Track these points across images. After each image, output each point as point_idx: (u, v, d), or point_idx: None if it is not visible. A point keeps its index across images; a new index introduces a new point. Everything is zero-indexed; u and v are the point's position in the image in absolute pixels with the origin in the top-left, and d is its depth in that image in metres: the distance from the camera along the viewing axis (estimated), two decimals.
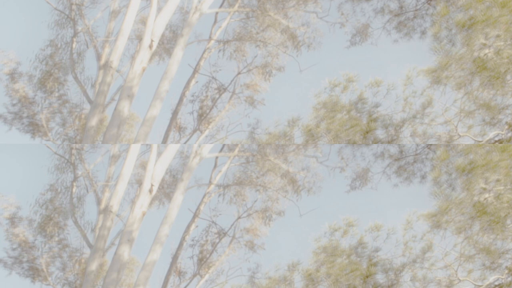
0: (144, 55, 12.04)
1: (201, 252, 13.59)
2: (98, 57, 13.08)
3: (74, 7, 13.19)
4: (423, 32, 11.55)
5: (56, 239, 13.12)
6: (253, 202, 14.06)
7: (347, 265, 10.36)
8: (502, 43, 9.74)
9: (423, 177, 11.14)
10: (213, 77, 13.98)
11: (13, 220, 13.38)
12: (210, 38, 14.08)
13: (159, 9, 12.48)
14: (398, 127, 10.75)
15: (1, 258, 13.29)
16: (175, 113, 13.84)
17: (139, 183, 13.58)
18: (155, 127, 12.40)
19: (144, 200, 11.81)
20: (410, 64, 11.02)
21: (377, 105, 10.98)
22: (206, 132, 13.90)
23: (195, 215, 13.87)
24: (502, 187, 9.76)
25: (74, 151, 12.98)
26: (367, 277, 10.43)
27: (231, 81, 13.90)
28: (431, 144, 10.85)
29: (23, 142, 13.70)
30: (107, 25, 13.63)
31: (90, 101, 12.80)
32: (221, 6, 14.04)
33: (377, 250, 10.86)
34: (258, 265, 12.74)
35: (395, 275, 10.66)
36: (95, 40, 13.25)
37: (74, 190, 12.98)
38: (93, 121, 12.27)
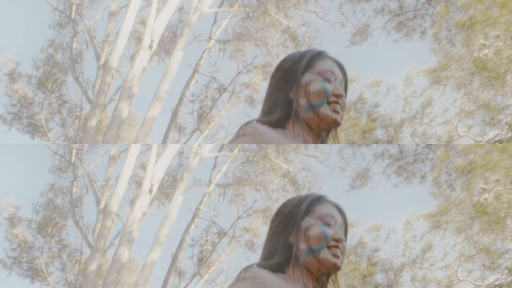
0: (144, 55, 12.04)
1: (201, 252, 13.59)
2: (98, 57, 13.08)
3: (74, 7, 13.19)
4: (423, 32, 11.55)
5: (56, 239, 13.12)
6: (253, 202, 14.05)
7: (347, 265, 10.36)
8: (502, 43, 9.74)
9: (423, 177, 11.14)
10: (213, 77, 13.99)
11: (12, 220, 13.38)
12: (210, 38, 14.08)
13: (159, 9, 12.48)
14: (398, 127, 10.75)
15: (1, 258, 13.29)
16: (175, 113, 13.84)
17: (139, 183, 13.57)
18: (155, 127, 12.40)
19: (144, 200, 11.81)
20: (410, 64, 11.01)
21: (376, 105, 10.98)
22: (206, 132, 13.91)
23: (195, 215, 13.87)
24: (502, 187, 9.76)
25: (74, 151, 12.99)
26: (366, 277, 10.43)
27: (231, 81, 13.90)
28: (431, 144, 10.85)
29: (22, 142, 13.70)
30: (107, 25, 13.64)
31: (90, 101, 12.80)
32: (220, 5, 14.04)
33: (376, 250, 10.87)
34: None
35: (395, 275, 10.66)
36: (95, 40, 13.25)
37: (74, 190, 12.98)
38: (93, 121, 12.27)
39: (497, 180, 9.81)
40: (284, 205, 2.29)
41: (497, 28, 9.72)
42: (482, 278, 10.33)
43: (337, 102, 2.25)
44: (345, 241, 2.25)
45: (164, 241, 12.43)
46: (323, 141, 2.30)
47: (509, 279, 10.15)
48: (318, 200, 2.25)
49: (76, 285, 12.87)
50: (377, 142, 10.76)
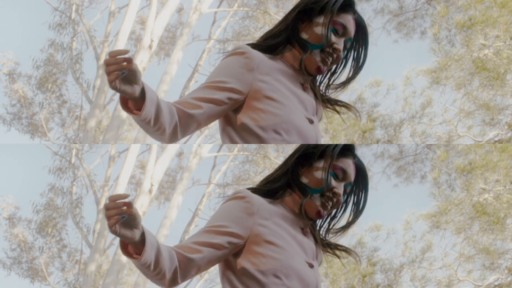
0: (144, 55, 12.04)
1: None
2: (98, 58, 13.08)
3: (74, 7, 13.19)
4: (423, 32, 11.55)
5: (56, 239, 13.12)
6: None
7: (346, 265, 10.36)
8: (501, 43, 9.74)
9: (423, 177, 11.15)
10: None
11: (12, 220, 13.37)
12: (209, 38, 14.08)
13: (159, 9, 12.48)
14: (397, 127, 10.75)
15: (0, 258, 13.29)
16: None
17: (139, 183, 13.57)
18: None
19: (144, 200, 11.81)
20: (410, 64, 11.02)
21: (376, 105, 10.99)
22: (206, 132, 13.91)
23: (195, 215, 13.87)
24: (501, 188, 9.76)
25: (73, 151, 12.98)
26: (366, 276, 10.44)
27: None
28: (431, 144, 10.86)
29: (22, 143, 13.70)
30: (106, 26, 13.64)
31: (90, 101, 12.80)
32: (219, 5, 14.04)
33: (376, 250, 10.87)
34: None
35: (395, 275, 10.67)
36: (95, 40, 13.25)
37: (74, 190, 12.98)
38: (93, 122, 12.28)
39: (497, 180, 9.81)
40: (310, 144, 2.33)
41: (497, 28, 9.72)
42: (482, 278, 10.33)
43: (330, 54, 2.28)
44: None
45: (163, 241, 12.43)
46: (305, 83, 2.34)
47: (509, 279, 10.16)
48: (344, 151, 2.28)
49: (76, 285, 12.87)
50: (377, 142, 10.76)
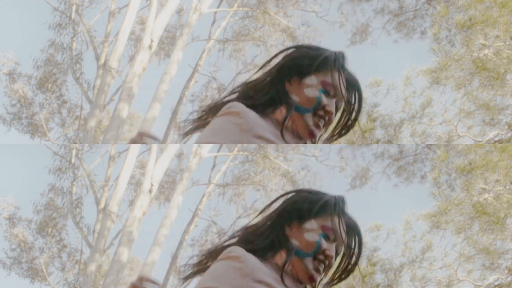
0: (144, 56, 12.04)
1: (201, 252, 13.58)
2: (98, 58, 13.08)
3: (74, 7, 13.19)
4: (423, 32, 11.55)
5: (56, 239, 13.12)
6: (253, 201, 14.06)
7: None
8: (501, 43, 9.74)
9: (423, 177, 11.15)
10: (212, 77, 13.99)
11: (12, 220, 13.38)
12: (209, 38, 14.08)
13: (159, 9, 12.48)
14: (397, 127, 10.75)
15: (0, 258, 13.29)
16: (175, 113, 13.84)
17: (139, 183, 13.57)
18: (154, 127, 12.40)
19: (144, 200, 11.81)
20: (409, 64, 11.02)
21: (376, 105, 10.98)
22: None
23: (195, 215, 13.87)
24: (501, 188, 9.76)
25: (73, 151, 12.98)
26: (366, 276, 10.44)
27: (231, 80, 13.90)
28: (431, 144, 10.86)
29: (22, 143, 13.69)
30: (106, 26, 13.64)
31: (90, 101, 12.80)
32: (219, 6, 14.04)
33: (376, 250, 10.87)
34: None
35: (395, 275, 10.67)
36: (95, 40, 13.25)
37: (74, 190, 12.98)
38: (93, 122, 12.27)
39: (497, 180, 9.81)
40: (301, 195, 2.17)
41: (497, 28, 9.72)
42: (482, 278, 10.34)
43: (323, 117, 2.19)
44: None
45: (164, 241, 12.43)
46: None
47: (509, 279, 10.16)
48: (335, 211, 2.15)
49: (76, 285, 12.87)
50: (377, 142, 10.76)
